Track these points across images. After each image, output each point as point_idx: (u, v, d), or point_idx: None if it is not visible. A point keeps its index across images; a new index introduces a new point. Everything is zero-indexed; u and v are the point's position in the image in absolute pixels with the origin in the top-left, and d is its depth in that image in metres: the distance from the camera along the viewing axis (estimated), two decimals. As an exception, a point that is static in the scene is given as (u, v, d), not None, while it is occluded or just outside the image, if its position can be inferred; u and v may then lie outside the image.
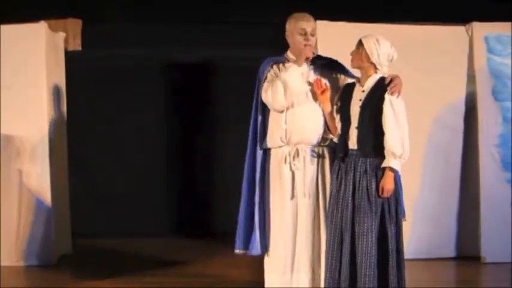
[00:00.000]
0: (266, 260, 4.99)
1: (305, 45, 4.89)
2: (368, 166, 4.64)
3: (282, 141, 4.91)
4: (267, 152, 4.99)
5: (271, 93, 4.86)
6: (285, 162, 4.90)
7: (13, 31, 6.77)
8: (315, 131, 4.88)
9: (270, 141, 4.97)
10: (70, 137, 7.42)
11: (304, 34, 4.89)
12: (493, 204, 6.74)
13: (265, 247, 4.96)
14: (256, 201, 4.97)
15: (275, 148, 4.95)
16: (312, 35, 4.92)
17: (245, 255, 5.03)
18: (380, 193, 4.60)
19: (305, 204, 4.87)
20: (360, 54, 4.70)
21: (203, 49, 8.15)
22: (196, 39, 8.06)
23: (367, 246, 4.58)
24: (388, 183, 4.60)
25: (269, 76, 4.94)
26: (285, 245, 4.89)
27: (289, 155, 4.90)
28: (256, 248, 4.97)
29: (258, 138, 4.99)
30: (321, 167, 4.91)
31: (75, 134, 7.65)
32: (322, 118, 4.88)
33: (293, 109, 4.88)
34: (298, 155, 4.89)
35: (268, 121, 4.97)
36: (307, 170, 4.89)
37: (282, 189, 4.91)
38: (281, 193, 4.90)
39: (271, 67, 4.97)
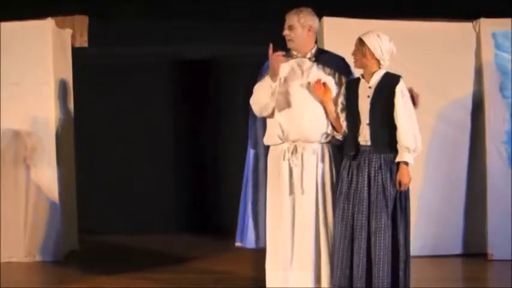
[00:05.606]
0: (267, 257, 4.98)
1: (287, 40, 4.90)
2: (382, 161, 4.66)
3: (280, 139, 4.90)
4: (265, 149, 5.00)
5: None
6: (284, 158, 4.90)
7: (20, 28, 6.79)
8: (314, 128, 4.85)
9: (268, 139, 4.97)
10: (77, 133, 7.43)
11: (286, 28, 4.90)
12: (499, 201, 6.72)
13: (258, 240, 5.01)
14: (249, 197, 5.02)
15: (273, 145, 4.95)
16: (290, 28, 4.87)
17: (242, 247, 5.09)
18: (397, 187, 4.62)
19: (303, 201, 4.86)
20: (364, 52, 4.70)
21: (211, 46, 8.14)
22: (204, 36, 8.05)
23: (385, 241, 4.59)
24: (405, 177, 4.62)
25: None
26: (284, 242, 4.88)
27: (288, 151, 4.89)
28: (249, 241, 5.03)
29: (252, 136, 5.02)
30: (320, 164, 4.89)
31: (82, 130, 7.66)
32: (323, 115, 4.85)
33: (291, 106, 4.87)
34: (296, 152, 4.88)
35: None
36: (305, 166, 4.86)
37: (280, 185, 4.90)
38: (279, 190, 4.90)
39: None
